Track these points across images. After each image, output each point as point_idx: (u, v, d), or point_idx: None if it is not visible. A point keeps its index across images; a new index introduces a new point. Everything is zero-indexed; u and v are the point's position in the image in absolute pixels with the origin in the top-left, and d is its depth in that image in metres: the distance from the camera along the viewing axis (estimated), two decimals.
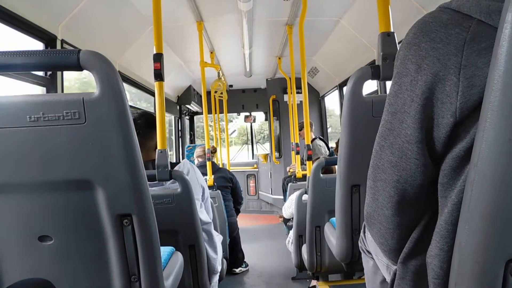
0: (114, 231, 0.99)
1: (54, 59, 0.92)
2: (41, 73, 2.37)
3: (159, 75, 1.75)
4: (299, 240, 2.64)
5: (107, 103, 0.89)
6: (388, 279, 0.95)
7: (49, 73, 2.40)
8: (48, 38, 2.34)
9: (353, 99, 1.28)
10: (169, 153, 1.68)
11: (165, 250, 1.35)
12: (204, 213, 1.83)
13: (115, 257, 1.02)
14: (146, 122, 1.81)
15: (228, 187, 3.85)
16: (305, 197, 2.46)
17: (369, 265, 1.20)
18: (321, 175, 2.06)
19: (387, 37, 1.27)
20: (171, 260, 1.33)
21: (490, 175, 0.51)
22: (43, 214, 0.98)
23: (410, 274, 0.69)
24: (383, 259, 0.96)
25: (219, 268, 1.93)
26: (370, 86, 3.78)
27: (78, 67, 0.90)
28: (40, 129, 0.89)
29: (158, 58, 1.76)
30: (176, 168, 1.74)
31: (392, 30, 1.31)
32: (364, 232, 1.18)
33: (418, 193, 0.66)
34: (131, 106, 3.53)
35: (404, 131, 0.64)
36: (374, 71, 1.27)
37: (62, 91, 2.50)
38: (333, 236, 1.63)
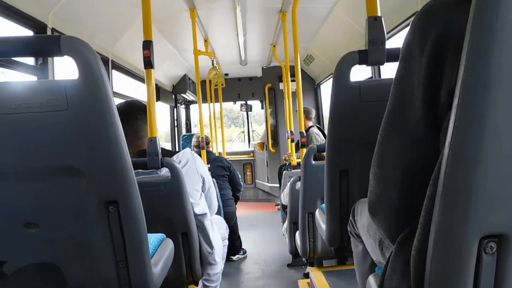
0: (100, 218, 1.00)
1: (35, 45, 0.91)
2: (31, 62, 2.35)
3: (148, 63, 1.74)
4: (293, 227, 2.65)
5: (89, 89, 0.88)
6: (379, 254, 0.96)
7: (39, 62, 2.37)
8: (37, 27, 2.30)
9: (340, 84, 1.28)
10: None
11: (155, 237, 1.36)
12: (200, 205, 1.80)
13: (102, 244, 1.02)
14: (140, 107, 1.79)
15: (225, 175, 3.85)
16: (298, 184, 2.47)
17: (359, 249, 1.21)
18: (313, 161, 2.06)
19: (374, 21, 1.26)
20: (161, 247, 1.34)
21: (463, 151, 0.52)
22: (29, 201, 0.98)
23: (404, 253, 0.70)
24: (376, 235, 0.97)
25: (217, 261, 1.91)
26: (366, 73, 3.77)
27: (59, 53, 0.89)
28: (21, 116, 0.89)
29: (147, 45, 1.74)
30: (175, 156, 1.73)
31: (379, 14, 1.30)
32: (354, 216, 1.19)
33: (426, 176, 0.66)
34: (116, 93, 3.53)
35: (413, 114, 0.65)
36: (362, 56, 1.26)
37: None
38: (323, 222, 1.65)
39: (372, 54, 1.25)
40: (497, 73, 0.48)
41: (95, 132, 0.91)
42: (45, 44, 0.90)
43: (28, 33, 2.30)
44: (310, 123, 4.52)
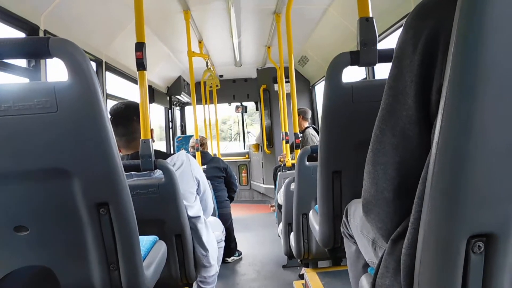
0: (91, 220, 0.99)
1: (24, 47, 0.90)
2: (24, 64, 2.33)
3: (141, 64, 1.73)
4: (288, 228, 2.65)
5: (78, 91, 0.88)
6: (372, 254, 0.96)
7: (32, 63, 2.36)
8: (30, 29, 2.28)
9: (333, 85, 1.28)
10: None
11: (147, 239, 1.35)
12: (194, 208, 1.80)
13: (93, 246, 1.02)
14: (136, 108, 1.78)
15: (221, 177, 3.85)
16: (293, 185, 2.47)
17: (352, 250, 1.21)
18: (307, 162, 2.06)
19: (365, 22, 1.27)
20: (153, 249, 1.33)
21: (450, 151, 0.52)
22: (18, 204, 0.98)
23: (397, 251, 0.70)
24: (369, 234, 0.97)
25: (212, 263, 1.90)
26: (359, 74, 3.79)
27: (48, 55, 0.88)
28: (11, 119, 0.88)
29: (140, 47, 1.73)
30: (169, 159, 1.72)
31: (371, 15, 1.30)
32: (347, 217, 1.19)
33: (419, 174, 0.66)
34: (110, 95, 3.51)
35: (406, 112, 0.65)
36: (353, 57, 1.26)
37: None
38: (316, 223, 1.65)
39: (364, 55, 1.26)
40: (483, 73, 0.48)
41: (85, 134, 0.91)
42: (34, 45, 0.89)
43: (20, 35, 2.28)
44: (306, 124, 4.52)
